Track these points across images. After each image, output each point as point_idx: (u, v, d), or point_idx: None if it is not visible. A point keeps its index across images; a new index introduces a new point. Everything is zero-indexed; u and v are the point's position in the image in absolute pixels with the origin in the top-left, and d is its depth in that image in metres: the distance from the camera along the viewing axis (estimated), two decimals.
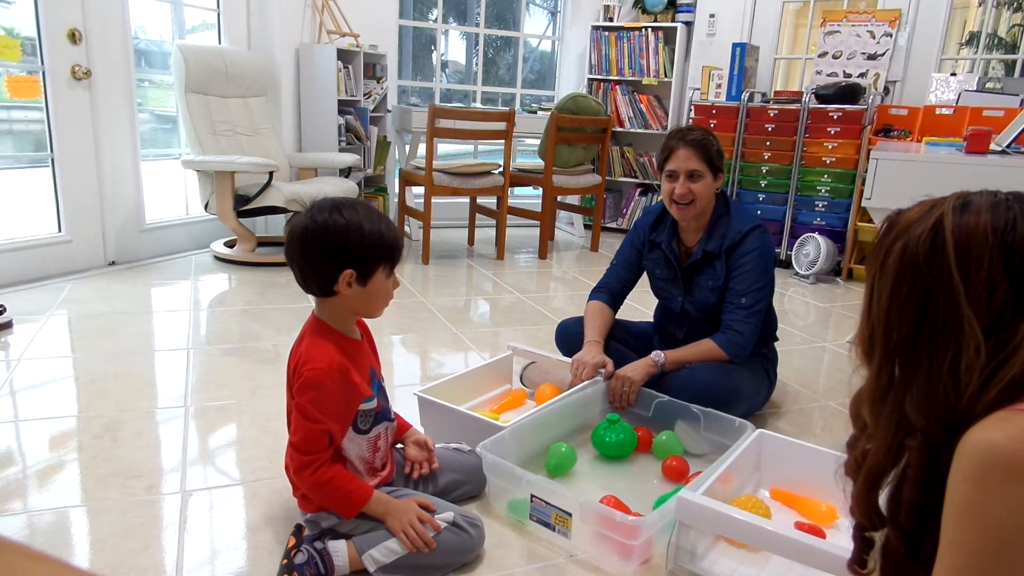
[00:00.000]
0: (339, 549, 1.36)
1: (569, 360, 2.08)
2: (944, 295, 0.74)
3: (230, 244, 3.94)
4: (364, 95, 4.44)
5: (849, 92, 4.10)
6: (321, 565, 1.32)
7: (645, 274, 2.28)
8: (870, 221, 3.90)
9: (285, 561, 1.33)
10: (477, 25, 5.54)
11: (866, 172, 1.87)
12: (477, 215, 4.63)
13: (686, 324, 2.19)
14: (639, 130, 5.23)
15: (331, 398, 1.33)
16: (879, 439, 0.81)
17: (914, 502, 0.78)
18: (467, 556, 1.39)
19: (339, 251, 1.30)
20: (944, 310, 0.74)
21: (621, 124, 5.23)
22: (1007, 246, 0.72)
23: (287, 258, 1.36)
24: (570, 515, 1.46)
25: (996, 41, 4.99)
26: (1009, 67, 4.61)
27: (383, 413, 1.48)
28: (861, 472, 0.83)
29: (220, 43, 4.11)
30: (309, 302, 3.16)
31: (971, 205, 0.75)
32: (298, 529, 1.40)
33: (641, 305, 3.02)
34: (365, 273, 1.33)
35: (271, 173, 3.57)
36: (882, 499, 0.82)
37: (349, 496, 1.36)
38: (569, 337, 2.26)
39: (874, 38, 4.21)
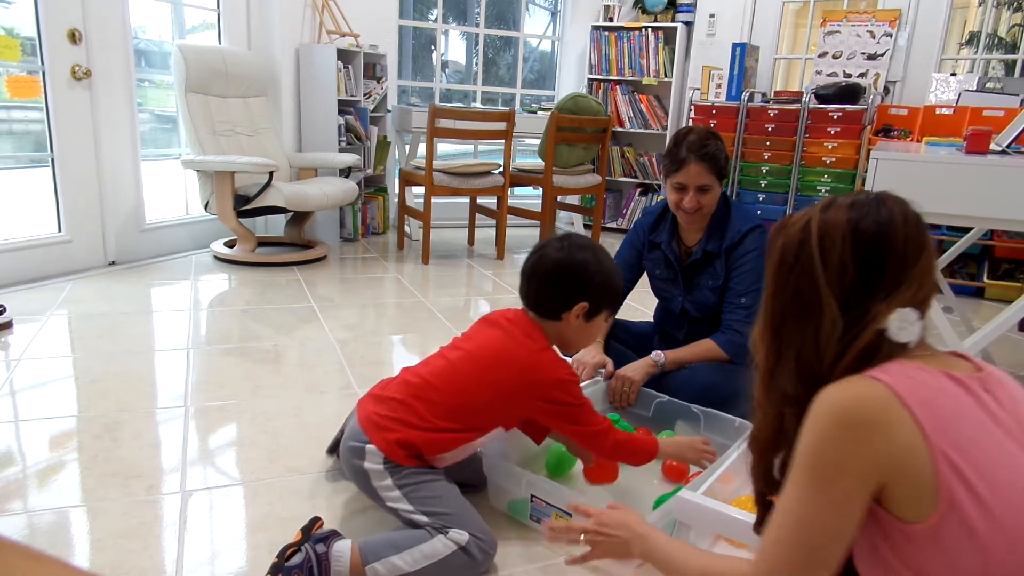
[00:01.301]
0: (342, 553, 1.33)
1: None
2: (808, 278, 0.87)
3: (230, 244, 3.94)
4: (364, 95, 4.44)
5: (849, 92, 4.10)
6: (316, 570, 1.30)
7: (645, 274, 2.28)
8: None
9: (277, 560, 1.31)
10: (477, 25, 5.54)
11: (866, 172, 1.87)
12: (477, 215, 4.63)
13: (686, 324, 2.19)
14: (639, 130, 5.23)
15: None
16: (766, 412, 0.93)
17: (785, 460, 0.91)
18: (470, 574, 1.37)
19: (582, 285, 1.47)
20: (808, 290, 0.88)
21: (621, 124, 5.23)
22: (857, 235, 0.85)
23: (531, 274, 1.50)
24: (570, 515, 1.46)
25: (996, 41, 4.99)
26: (1009, 67, 4.61)
27: None
28: (758, 447, 0.96)
29: (220, 43, 4.11)
30: (309, 302, 3.17)
31: (834, 204, 0.90)
32: (311, 524, 1.39)
33: (641, 305, 3.02)
34: (594, 311, 1.49)
35: (271, 173, 3.57)
36: None
37: (645, 447, 1.55)
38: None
39: (874, 38, 4.21)
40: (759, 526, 0.95)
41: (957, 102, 3.89)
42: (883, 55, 4.20)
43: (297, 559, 1.31)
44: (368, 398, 1.52)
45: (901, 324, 0.83)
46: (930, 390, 0.79)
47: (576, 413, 1.47)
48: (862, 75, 4.26)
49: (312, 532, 1.37)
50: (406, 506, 1.39)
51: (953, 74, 4.16)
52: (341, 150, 4.28)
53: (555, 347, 1.53)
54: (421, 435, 1.42)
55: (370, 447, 1.41)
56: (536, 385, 1.44)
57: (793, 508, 0.83)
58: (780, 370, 0.91)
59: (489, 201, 4.58)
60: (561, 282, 1.47)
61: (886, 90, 4.27)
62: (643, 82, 5.15)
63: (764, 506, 0.95)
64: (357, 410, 1.51)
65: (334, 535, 1.37)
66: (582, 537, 1.21)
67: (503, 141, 4.06)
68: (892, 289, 0.84)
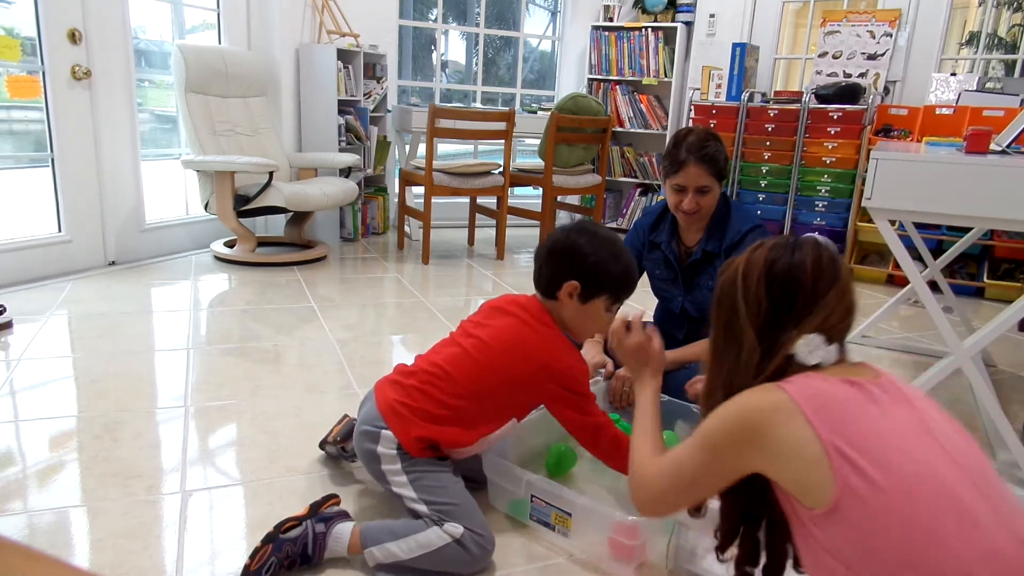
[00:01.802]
0: (342, 534, 1.37)
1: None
2: (734, 311, 1.04)
3: (230, 244, 3.94)
4: (364, 95, 4.44)
5: (849, 92, 4.10)
6: (310, 546, 1.34)
7: (645, 274, 2.28)
8: (870, 221, 3.90)
9: (273, 530, 1.34)
10: (477, 25, 5.54)
11: (866, 172, 1.86)
12: (477, 215, 4.63)
13: (686, 324, 2.19)
14: (639, 130, 5.23)
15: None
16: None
17: None
18: (466, 570, 1.38)
19: (574, 265, 1.47)
20: (734, 322, 1.04)
21: (621, 124, 5.23)
22: (770, 275, 1.01)
23: (537, 253, 1.56)
24: (570, 515, 1.46)
25: (996, 41, 4.99)
26: (1009, 67, 4.61)
27: None
28: None
29: (220, 43, 4.11)
30: (309, 302, 3.17)
31: (762, 246, 1.05)
32: (324, 500, 1.43)
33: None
34: (588, 293, 1.48)
35: (271, 173, 3.57)
36: None
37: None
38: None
39: (874, 38, 4.21)
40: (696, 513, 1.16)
41: (957, 102, 3.89)
42: (883, 55, 4.20)
43: (294, 533, 1.34)
44: (386, 383, 1.53)
45: (808, 349, 0.98)
46: (823, 391, 0.93)
47: (581, 402, 1.48)
48: (862, 75, 4.26)
49: (320, 510, 1.40)
50: (410, 493, 1.41)
51: (953, 74, 4.16)
52: (341, 150, 4.28)
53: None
54: (440, 430, 1.43)
55: (386, 432, 1.43)
56: (550, 371, 1.45)
57: (682, 461, 1.05)
58: (715, 389, 1.07)
59: (489, 201, 4.58)
60: (553, 260, 1.50)
61: (886, 90, 4.27)
62: (643, 82, 5.15)
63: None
64: (375, 394, 1.52)
65: (340, 517, 1.40)
66: (615, 342, 1.40)
67: (503, 141, 4.06)
68: (800, 320, 0.99)
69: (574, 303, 1.49)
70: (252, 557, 1.30)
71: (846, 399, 0.92)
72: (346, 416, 1.80)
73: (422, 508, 1.40)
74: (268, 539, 1.33)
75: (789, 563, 1.07)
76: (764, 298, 1.01)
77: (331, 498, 1.47)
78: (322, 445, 1.77)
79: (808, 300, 0.99)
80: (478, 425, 1.47)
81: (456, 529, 1.35)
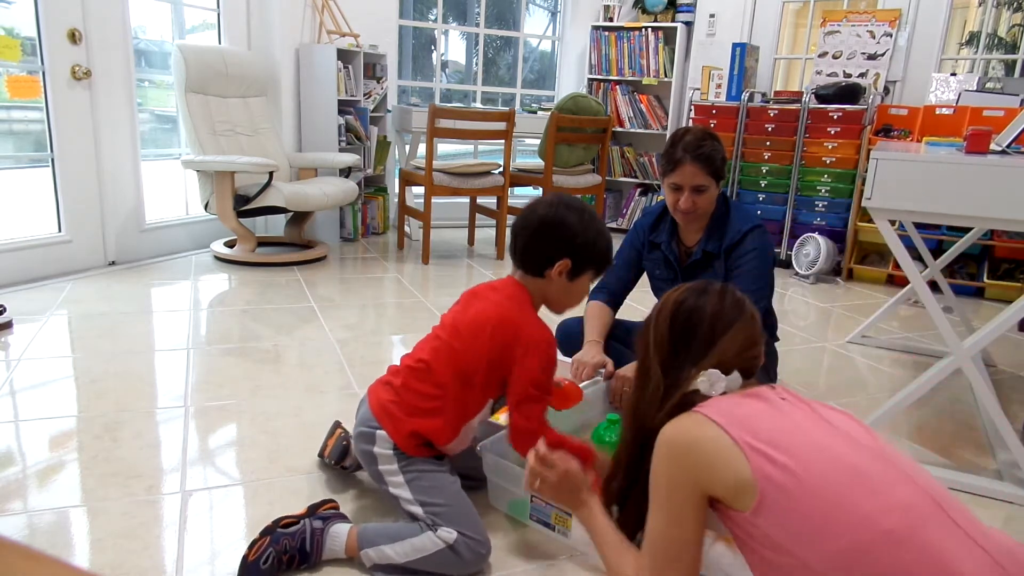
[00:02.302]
0: (339, 534, 1.38)
1: (569, 360, 2.08)
2: (645, 347, 1.15)
3: (230, 244, 3.94)
4: (364, 95, 4.44)
5: (849, 92, 4.10)
6: (308, 542, 1.34)
7: (645, 274, 2.28)
8: (870, 221, 3.90)
9: (271, 524, 1.35)
10: (477, 25, 5.54)
11: (866, 172, 1.86)
12: (477, 215, 4.63)
13: None
14: (639, 130, 5.23)
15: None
16: (620, 447, 1.23)
17: (620, 487, 1.24)
18: (461, 572, 1.37)
19: (566, 242, 1.45)
20: (644, 357, 1.15)
21: (621, 124, 5.23)
22: (676, 315, 1.12)
23: (518, 230, 1.50)
24: (570, 515, 1.46)
25: (996, 41, 4.99)
26: (1009, 67, 4.61)
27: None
28: (607, 480, 1.27)
29: (220, 43, 4.11)
30: (310, 302, 3.17)
31: (678, 288, 1.15)
32: (321, 503, 1.44)
33: (641, 305, 3.02)
34: (577, 270, 1.47)
35: (271, 173, 3.57)
36: None
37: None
38: (569, 337, 2.26)
39: (874, 38, 4.21)
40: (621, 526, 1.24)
41: (957, 102, 3.89)
42: (883, 55, 4.20)
43: (292, 528, 1.35)
44: (379, 385, 1.54)
45: (710, 383, 1.08)
46: (731, 406, 1.04)
47: (532, 385, 1.42)
48: (862, 75, 4.26)
49: (318, 511, 1.41)
50: (406, 494, 1.42)
51: (953, 74, 4.16)
52: (341, 150, 4.28)
53: (543, 307, 1.54)
54: (430, 424, 1.44)
55: (380, 433, 1.44)
56: (518, 341, 1.42)
57: (655, 529, 1.07)
58: (626, 416, 1.17)
59: (489, 201, 4.58)
60: (545, 238, 1.46)
61: (886, 90, 4.27)
62: (643, 82, 5.16)
63: (610, 511, 1.27)
64: (368, 396, 1.53)
65: (337, 517, 1.41)
66: (536, 484, 1.35)
67: (503, 141, 4.06)
68: (699, 358, 1.10)
69: (562, 280, 1.47)
70: (250, 548, 1.31)
71: (750, 406, 1.04)
72: (338, 428, 1.76)
73: (417, 510, 1.40)
74: (266, 532, 1.34)
75: None
76: (666, 335, 1.12)
77: (329, 502, 1.48)
78: (320, 455, 1.75)
79: (704, 341, 1.10)
80: (463, 413, 1.47)
81: (450, 535, 1.35)
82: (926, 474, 0.98)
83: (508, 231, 1.56)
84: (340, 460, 1.69)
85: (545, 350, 1.43)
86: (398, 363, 1.56)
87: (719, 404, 1.05)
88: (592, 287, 2.29)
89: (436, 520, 1.37)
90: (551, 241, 1.46)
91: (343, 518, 1.44)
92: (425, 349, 1.50)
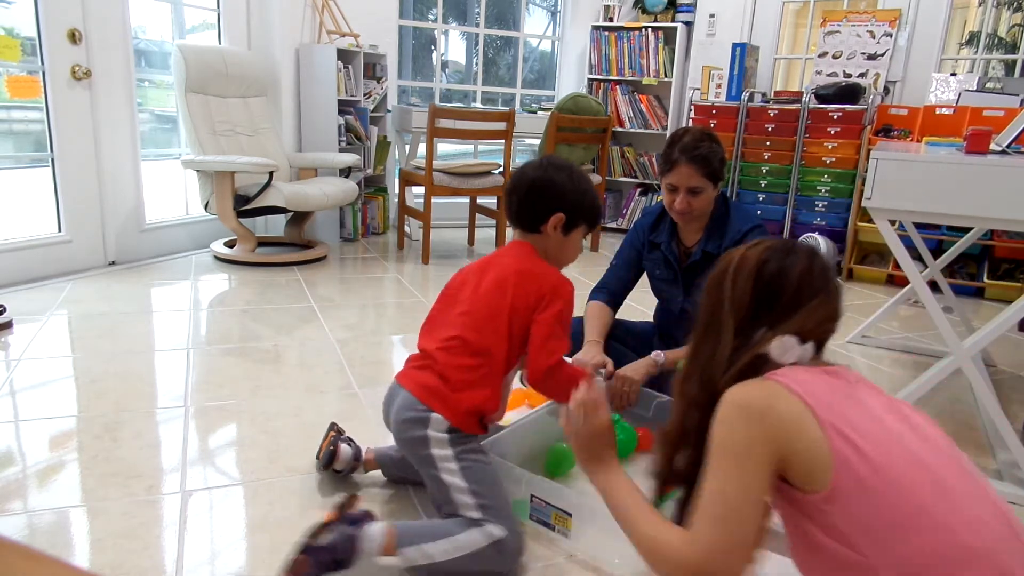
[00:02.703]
0: (374, 535, 1.32)
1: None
2: (718, 303, 1.06)
3: (230, 244, 3.94)
4: (364, 95, 4.44)
5: (849, 92, 4.10)
6: (346, 549, 1.29)
7: (645, 274, 2.28)
8: (870, 221, 3.90)
9: (306, 538, 1.29)
10: (477, 25, 5.54)
11: (866, 172, 1.86)
12: (477, 215, 4.63)
13: (686, 324, 2.18)
14: (639, 130, 5.23)
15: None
16: (675, 412, 1.11)
17: (692, 458, 1.07)
18: (498, 569, 1.36)
19: (556, 197, 1.54)
20: (718, 312, 1.06)
21: (621, 124, 5.23)
22: (760, 272, 1.04)
23: (511, 189, 1.58)
24: (570, 515, 1.46)
25: (996, 41, 4.99)
26: (1009, 67, 4.61)
27: None
28: (665, 440, 1.13)
29: (220, 43, 4.11)
30: (310, 302, 3.17)
31: (759, 244, 1.07)
32: (347, 501, 1.37)
33: (641, 305, 3.02)
34: (570, 224, 1.56)
35: (271, 173, 3.57)
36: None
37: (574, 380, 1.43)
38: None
39: (874, 38, 4.21)
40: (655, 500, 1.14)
41: (957, 102, 3.89)
42: (883, 55, 4.20)
43: (326, 539, 1.29)
44: (412, 371, 1.51)
45: (782, 349, 1.01)
46: (811, 380, 0.97)
47: (558, 323, 1.49)
48: (862, 75, 4.26)
49: (346, 511, 1.36)
50: (460, 482, 1.39)
51: (953, 74, 4.16)
52: (341, 150, 4.28)
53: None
54: (481, 393, 1.45)
55: (435, 416, 1.42)
56: (542, 287, 1.49)
57: (716, 489, 0.97)
58: (691, 377, 1.08)
59: (489, 201, 4.58)
60: (538, 195, 1.55)
61: (886, 90, 4.27)
62: (643, 82, 5.16)
63: (660, 492, 1.14)
64: (404, 384, 1.49)
65: (367, 517, 1.36)
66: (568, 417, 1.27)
67: (503, 141, 4.06)
68: (777, 321, 1.03)
69: (558, 234, 1.56)
70: (290, 570, 1.25)
71: (829, 385, 0.98)
72: (332, 430, 1.73)
73: (467, 499, 1.37)
74: (304, 549, 1.27)
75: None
76: (749, 294, 1.04)
77: (353, 498, 1.40)
78: (318, 456, 1.73)
79: (788, 305, 1.03)
80: (504, 373, 1.50)
81: (498, 531, 1.33)
82: (994, 489, 0.93)
83: (505, 228, 1.57)
84: (328, 464, 1.67)
85: (567, 293, 1.51)
86: (397, 368, 1.55)
87: (796, 375, 0.97)
88: (592, 287, 2.30)
89: (484, 515, 1.35)
90: (543, 198, 1.55)
91: (372, 517, 1.38)
92: (453, 326, 1.49)
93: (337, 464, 1.67)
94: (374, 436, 1.89)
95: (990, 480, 0.96)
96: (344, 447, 1.67)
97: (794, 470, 0.94)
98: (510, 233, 1.58)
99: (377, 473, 1.73)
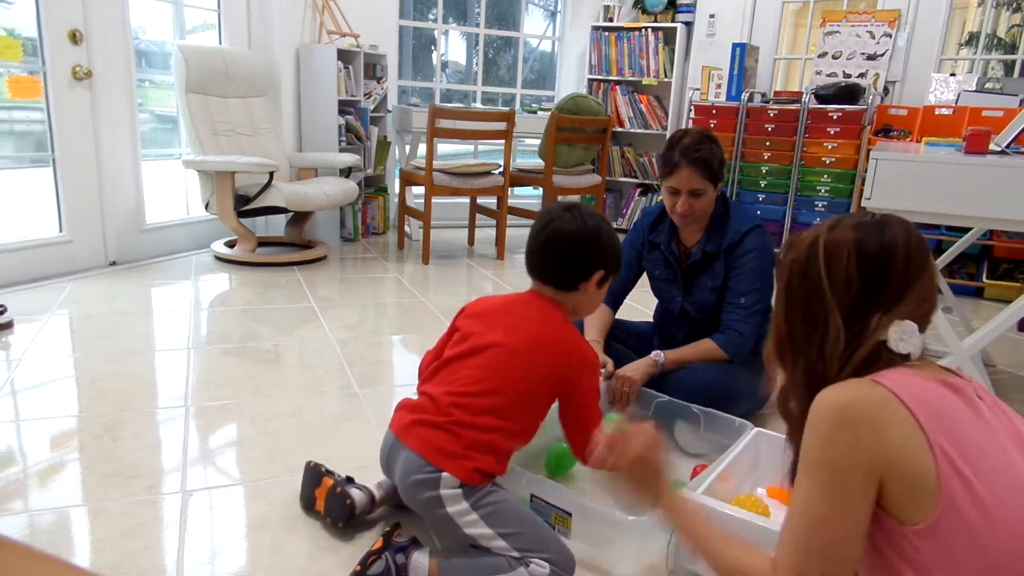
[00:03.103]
0: (420, 565, 1.31)
1: None
2: (816, 291, 0.92)
3: (230, 244, 3.94)
4: (364, 95, 4.44)
5: (849, 92, 4.10)
6: None
7: (645, 274, 2.28)
8: None
9: (359, 568, 1.28)
10: (477, 25, 5.54)
11: (866, 172, 1.87)
12: (477, 215, 4.63)
13: (686, 324, 2.19)
14: (639, 130, 5.23)
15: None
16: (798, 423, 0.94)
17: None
18: None
19: (600, 253, 1.48)
20: (815, 303, 0.92)
21: (621, 124, 5.23)
22: (862, 252, 0.91)
23: (546, 248, 1.48)
24: (570, 515, 1.46)
25: (995, 41, 4.99)
26: (1008, 67, 4.61)
27: None
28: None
29: (220, 43, 4.11)
30: (310, 302, 3.17)
31: (840, 224, 0.95)
32: (393, 528, 1.36)
33: (641, 305, 3.02)
34: (607, 276, 1.50)
35: (271, 173, 3.57)
36: None
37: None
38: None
39: (874, 38, 4.21)
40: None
41: (956, 102, 3.89)
42: (883, 55, 4.20)
43: (377, 567, 1.28)
44: (413, 426, 1.41)
45: (901, 336, 0.88)
46: (927, 392, 0.83)
47: (592, 398, 1.47)
48: (862, 75, 4.26)
49: (393, 540, 1.34)
50: (485, 531, 1.32)
51: (953, 74, 4.16)
52: (341, 150, 4.28)
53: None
54: (492, 460, 1.38)
55: (445, 475, 1.33)
56: (575, 370, 1.43)
57: (805, 510, 0.85)
58: (796, 385, 0.96)
59: (489, 201, 4.58)
60: (581, 252, 1.47)
61: (886, 90, 4.27)
62: (643, 82, 5.16)
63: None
64: (405, 439, 1.40)
65: (413, 544, 1.35)
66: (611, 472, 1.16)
67: (503, 141, 4.06)
68: (892, 304, 0.89)
69: (594, 289, 1.49)
70: None
71: (948, 402, 0.84)
72: (324, 477, 1.57)
73: (500, 544, 1.31)
74: None
75: None
76: (856, 277, 0.90)
77: (397, 527, 1.39)
78: (308, 508, 1.59)
79: (900, 284, 0.90)
80: (518, 438, 1.44)
81: (543, 569, 1.28)
82: None
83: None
84: (350, 519, 1.49)
85: (596, 364, 1.49)
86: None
87: (908, 383, 0.83)
88: None
89: (525, 552, 1.30)
90: (587, 255, 1.47)
91: (418, 544, 1.36)
92: (475, 380, 1.40)
93: (357, 515, 1.50)
94: (375, 437, 1.90)
95: None
96: (357, 493, 1.51)
97: (891, 495, 0.81)
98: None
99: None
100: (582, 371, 1.44)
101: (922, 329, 0.91)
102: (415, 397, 1.50)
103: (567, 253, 1.47)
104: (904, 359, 0.89)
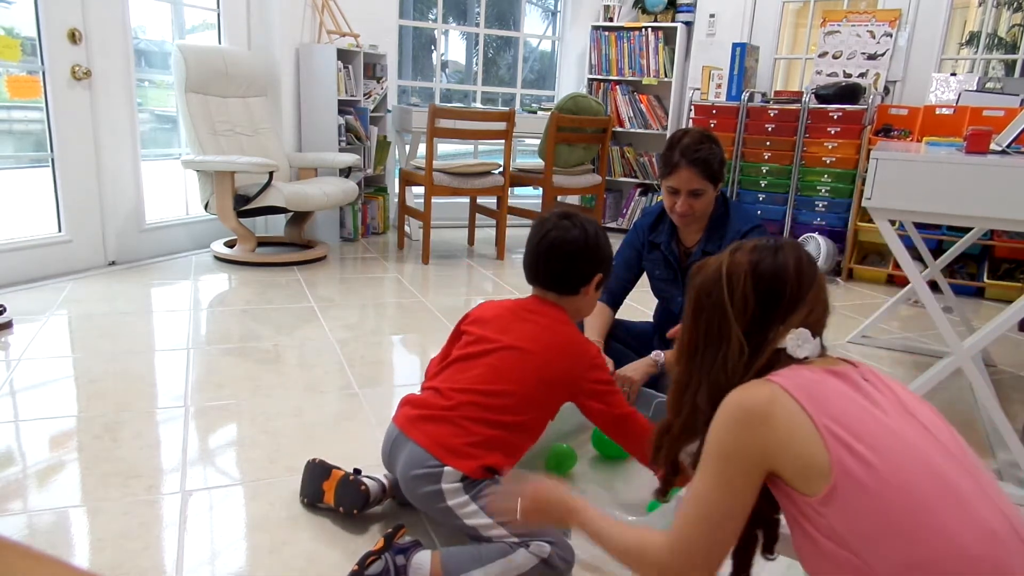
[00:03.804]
0: (422, 564, 1.31)
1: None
2: (719, 310, 1.06)
3: (230, 244, 3.94)
4: (364, 95, 4.44)
5: (849, 92, 4.10)
6: None
7: (645, 274, 2.28)
8: (870, 221, 3.90)
9: (357, 568, 1.29)
10: (477, 25, 5.54)
11: (866, 172, 1.86)
12: (477, 215, 4.63)
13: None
14: (639, 130, 5.23)
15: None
16: (678, 415, 1.12)
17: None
18: None
19: (599, 258, 1.54)
20: (718, 321, 1.06)
21: (621, 124, 5.23)
22: (757, 275, 1.05)
23: (549, 255, 1.52)
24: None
25: (996, 41, 4.99)
26: (1009, 67, 4.61)
27: None
28: (669, 440, 1.14)
29: (220, 43, 4.11)
30: (310, 302, 3.17)
31: (740, 249, 1.09)
32: (396, 530, 1.36)
33: (641, 305, 3.01)
34: (604, 279, 1.56)
35: (271, 173, 3.57)
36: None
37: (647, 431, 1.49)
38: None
39: (874, 38, 4.21)
40: (660, 494, 1.20)
41: (957, 102, 3.89)
42: (883, 55, 4.20)
43: (376, 568, 1.29)
44: (420, 420, 1.43)
45: (797, 343, 1.02)
46: (812, 383, 0.96)
47: (608, 393, 1.51)
48: (862, 75, 4.26)
49: (394, 541, 1.35)
50: (483, 520, 1.35)
51: (953, 74, 4.16)
52: (341, 150, 4.28)
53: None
54: (500, 455, 1.40)
55: (448, 470, 1.36)
56: (582, 368, 1.48)
57: (700, 493, 0.99)
58: (694, 389, 1.09)
59: (489, 201, 4.58)
60: (583, 258, 1.52)
61: (886, 90, 4.27)
62: (643, 82, 5.15)
63: (667, 483, 1.19)
64: (410, 433, 1.42)
65: (415, 546, 1.35)
66: (518, 513, 1.24)
67: (503, 141, 4.06)
68: (787, 316, 1.04)
69: (594, 292, 1.55)
70: None
71: (834, 387, 0.97)
72: (333, 470, 1.58)
73: (500, 532, 1.34)
74: None
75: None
76: (752, 297, 1.05)
77: (400, 528, 1.40)
78: (315, 503, 1.60)
79: (793, 298, 1.05)
80: (526, 438, 1.46)
81: (543, 549, 1.31)
82: (1005, 495, 0.91)
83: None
84: (364, 506, 1.51)
85: (602, 362, 1.54)
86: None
87: (797, 377, 0.97)
88: None
89: (524, 537, 1.33)
90: (587, 261, 1.53)
91: (420, 545, 1.37)
92: (472, 376, 1.44)
93: (372, 502, 1.53)
94: (375, 437, 1.90)
95: (997, 488, 0.92)
96: (369, 481, 1.53)
97: (791, 474, 0.94)
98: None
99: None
100: (588, 369, 1.49)
101: (818, 332, 1.05)
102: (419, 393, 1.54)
103: (569, 261, 1.52)
104: (802, 361, 1.01)
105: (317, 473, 1.58)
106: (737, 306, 1.05)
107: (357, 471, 1.58)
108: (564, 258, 1.52)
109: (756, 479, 0.97)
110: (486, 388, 1.42)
